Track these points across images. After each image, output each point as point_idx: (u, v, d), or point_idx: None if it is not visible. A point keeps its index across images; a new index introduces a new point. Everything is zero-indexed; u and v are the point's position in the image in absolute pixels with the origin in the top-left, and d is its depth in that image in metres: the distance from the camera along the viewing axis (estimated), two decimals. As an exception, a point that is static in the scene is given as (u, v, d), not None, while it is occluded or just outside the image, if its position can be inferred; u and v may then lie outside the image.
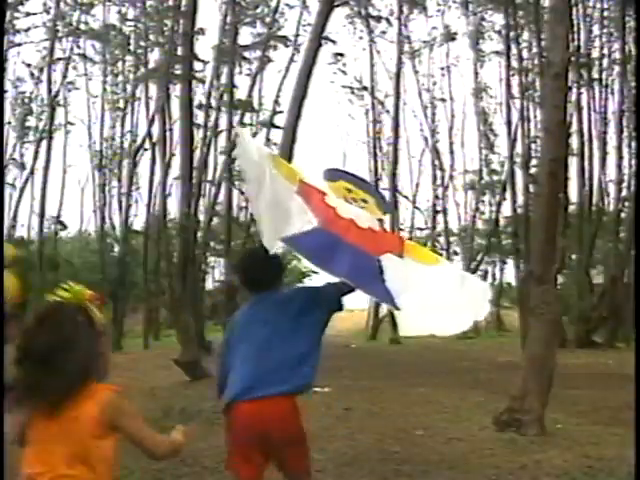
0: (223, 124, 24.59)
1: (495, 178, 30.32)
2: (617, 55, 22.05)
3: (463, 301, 2.86)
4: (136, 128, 28.79)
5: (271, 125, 26.01)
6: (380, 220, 3.46)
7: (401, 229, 33.50)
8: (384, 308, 27.74)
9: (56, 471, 1.92)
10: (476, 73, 30.32)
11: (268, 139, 26.52)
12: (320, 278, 3.15)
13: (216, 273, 37.91)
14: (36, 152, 27.12)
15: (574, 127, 21.05)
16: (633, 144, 20.54)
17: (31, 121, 29.02)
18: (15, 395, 1.98)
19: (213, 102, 25.00)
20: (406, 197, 34.20)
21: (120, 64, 29.24)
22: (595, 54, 23.10)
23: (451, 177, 33.27)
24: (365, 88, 30.64)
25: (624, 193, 21.55)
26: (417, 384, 10.10)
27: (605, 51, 23.25)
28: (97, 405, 1.95)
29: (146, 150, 27.73)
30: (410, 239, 34.99)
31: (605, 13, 22.92)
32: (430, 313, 2.75)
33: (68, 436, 1.93)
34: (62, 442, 1.93)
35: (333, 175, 3.38)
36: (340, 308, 3.15)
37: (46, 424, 1.94)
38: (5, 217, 25.15)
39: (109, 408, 1.97)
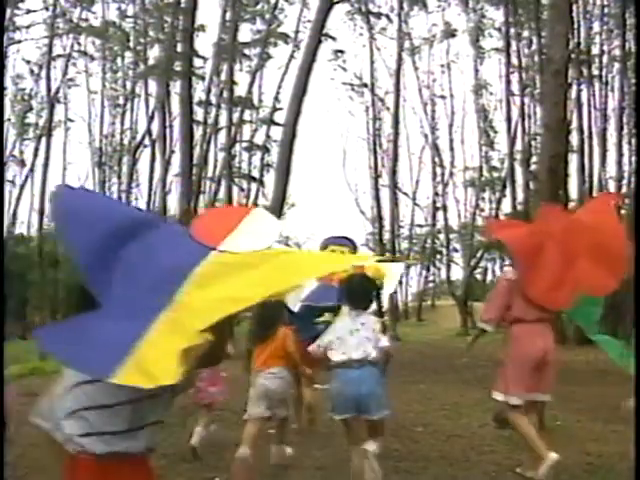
0: (223, 121, 24.61)
1: (495, 175, 30.35)
2: (617, 52, 22.01)
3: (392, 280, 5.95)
4: (136, 125, 28.85)
5: (271, 122, 26.01)
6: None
7: (400, 226, 33.58)
8: (384, 306, 27.85)
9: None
10: (476, 70, 30.36)
11: (268, 136, 26.55)
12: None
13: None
14: (36, 149, 27.13)
15: (574, 124, 21.02)
16: (633, 141, 20.51)
17: (31, 118, 29.10)
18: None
19: (213, 99, 25.02)
20: (406, 194, 34.30)
21: (120, 61, 29.26)
22: (595, 51, 23.07)
23: (451, 174, 33.33)
24: (365, 85, 30.66)
25: (624, 190, 21.54)
26: (417, 381, 10.10)
27: (605, 48, 23.23)
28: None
29: (146, 147, 27.76)
30: (410, 241, 34.76)
31: (605, 10, 22.89)
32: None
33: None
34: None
35: (323, 244, 5.68)
36: None
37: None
38: (5, 214, 25.15)
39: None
